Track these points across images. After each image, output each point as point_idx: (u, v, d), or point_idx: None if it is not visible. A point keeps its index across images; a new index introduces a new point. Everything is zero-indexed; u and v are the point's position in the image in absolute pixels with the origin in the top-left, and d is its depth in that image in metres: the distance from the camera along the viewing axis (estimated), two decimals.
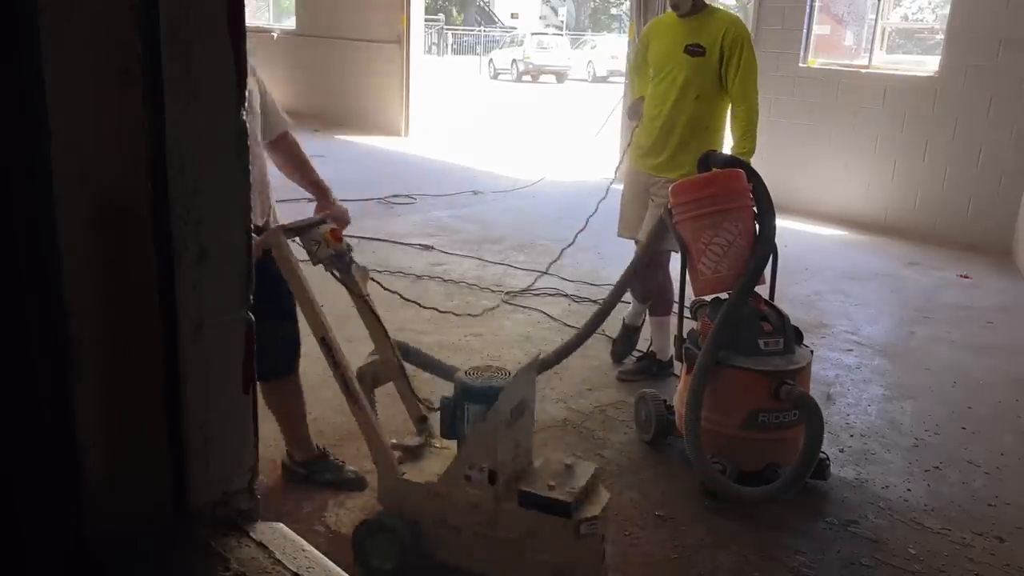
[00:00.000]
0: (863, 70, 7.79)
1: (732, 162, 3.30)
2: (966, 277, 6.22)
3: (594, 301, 5.14)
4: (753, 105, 3.75)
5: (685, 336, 3.21)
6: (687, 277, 3.20)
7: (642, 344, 4.33)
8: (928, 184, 7.20)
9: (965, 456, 3.21)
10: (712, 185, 3.14)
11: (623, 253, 6.23)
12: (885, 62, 8.16)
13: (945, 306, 5.51)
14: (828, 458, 3.15)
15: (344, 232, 2.58)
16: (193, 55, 1.15)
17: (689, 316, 3.31)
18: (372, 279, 2.66)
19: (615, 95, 10.14)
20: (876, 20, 8.17)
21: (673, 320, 3.66)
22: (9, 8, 0.94)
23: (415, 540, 2.36)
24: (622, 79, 10.17)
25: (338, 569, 1.35)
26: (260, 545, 1.35)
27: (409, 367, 2.66)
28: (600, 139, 9.57)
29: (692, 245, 3.12)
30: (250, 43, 1.25)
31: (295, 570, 1.29)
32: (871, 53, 7.95)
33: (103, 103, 1.11)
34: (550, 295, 5.28)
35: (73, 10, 1.05)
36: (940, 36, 7.75)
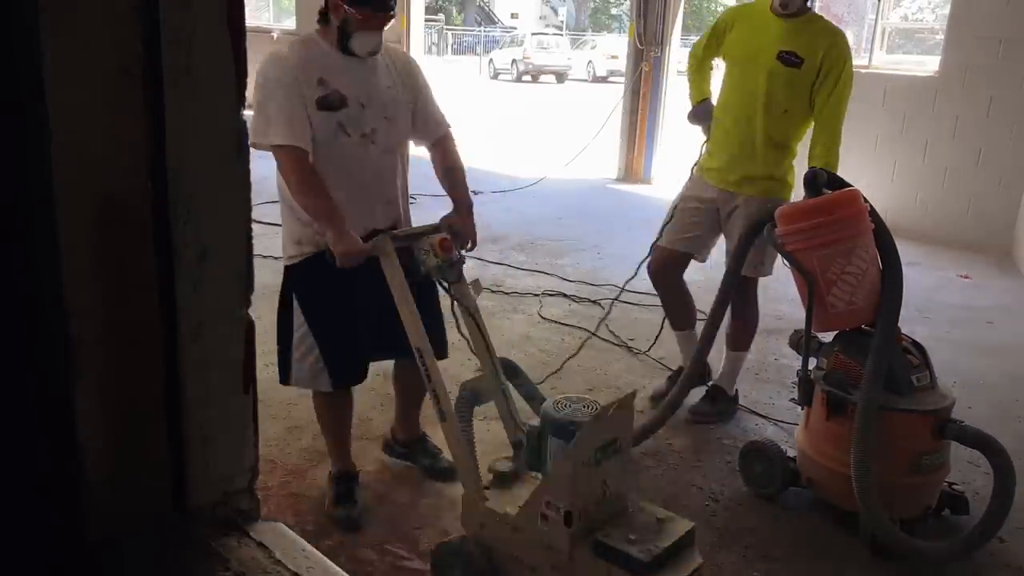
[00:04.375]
0: (863, 70, 7.77)
1: (842, 181, 3.00)
2: (966, 277, 6.22)
3: (594, 301, 5.14)
4: (838, 129, 3.32)
5: (814, 376, 2.90)
6: (812, 311, 2.87)
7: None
8: (928, 184, 7.20)
9: (965, 456, 3.21)
10: (839, 209, 2.81)
11: (623, 254, 6.23)
12: (885, 62, 8.16)
13: (945, 306, 5.51)
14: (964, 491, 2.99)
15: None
16: (193, 55, 1.15)
17: (794, 350, 3.02)
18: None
19: (615, 95, 10.15)
20: (876, 20, 8.17)
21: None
22: (9, 8, 0.94)
23: (490, 570, 2.25)
24: (622, 79, 10.17)
25: (338, 569, 1.35)
26: (260, 545, 1.35)
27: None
28: (600, 139, 9.59)
29: (820, 276, 2.80)
30: (249, 43, 1.25)
31: (295, 570, 1.29)
32: (871, 53, 7.95)
33: (103, 103, 1.11)
34: (550, 295, 5.28)
35: (73, 10, 1.05)
36: (940, 36, 7.75)
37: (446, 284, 2.46)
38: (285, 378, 2.68)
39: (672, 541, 2.05)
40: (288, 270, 2.65)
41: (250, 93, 1.35)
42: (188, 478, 1.34)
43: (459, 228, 2.60)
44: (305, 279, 2.60)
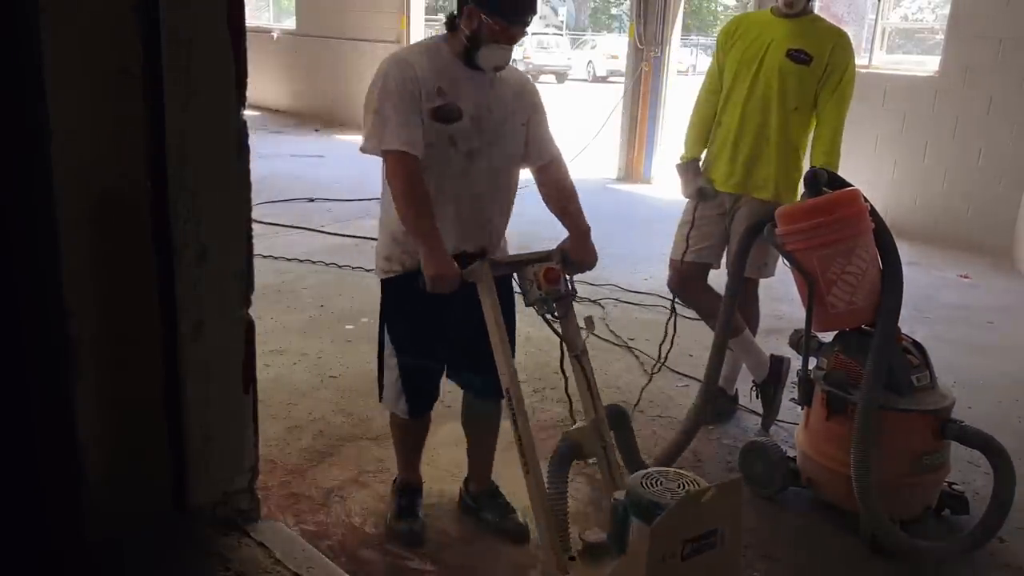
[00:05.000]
0: (863, 70, 7.75)
1: (842, 181, 2.99)
2: (966, 277, 6.22)
3: (594, 301, 5.14)
4: (840, 128, 3.33)
5: (814, 376, 2.89)
6: (813, 311, 2.86)
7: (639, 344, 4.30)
8: (928, 184, 7.20)
9: (965, 456, 3.21)
10: (839, 209, 2.80)
11: (623, 254, 6.23)
12: (885, 62, 8.16)
13: (945, 306, 5.50)
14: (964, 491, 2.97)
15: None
16: (193, 55, 1.15)
17: (794, 350, 3.02)
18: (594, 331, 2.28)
19: (615, 95, 10.14)
20: (876, 20, 8.17)
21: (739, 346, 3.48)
22: (9, 8, 0.94)
23: None
24: (622, 79, 10.17)
25: (338, 569, 1.35)
26: (260, 545, 1.35)
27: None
28: (600, 139, 9.58)
29: (820, 276, 2.79)
30: (249, 43, 1.25)
31: (295, 570, 1.29)
32: (871, 53, 7.94)
33: (103, 103, 1.11)
34: None
35: (73, 10, 1.05)
36: (940, 36, 7.76)
37: (551, 320, 2.23)
38: (379, 396, 2.62)
39: None
40: (381, 285, 2.52)
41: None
42: (188, 478, 1.34)
43: (574, 257, 2.38)
44: (391, 299, 2.50)
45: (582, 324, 2.27)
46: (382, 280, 2.49)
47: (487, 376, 2.28)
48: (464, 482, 2.85)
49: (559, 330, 2.23)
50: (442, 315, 2.39)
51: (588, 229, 2.51)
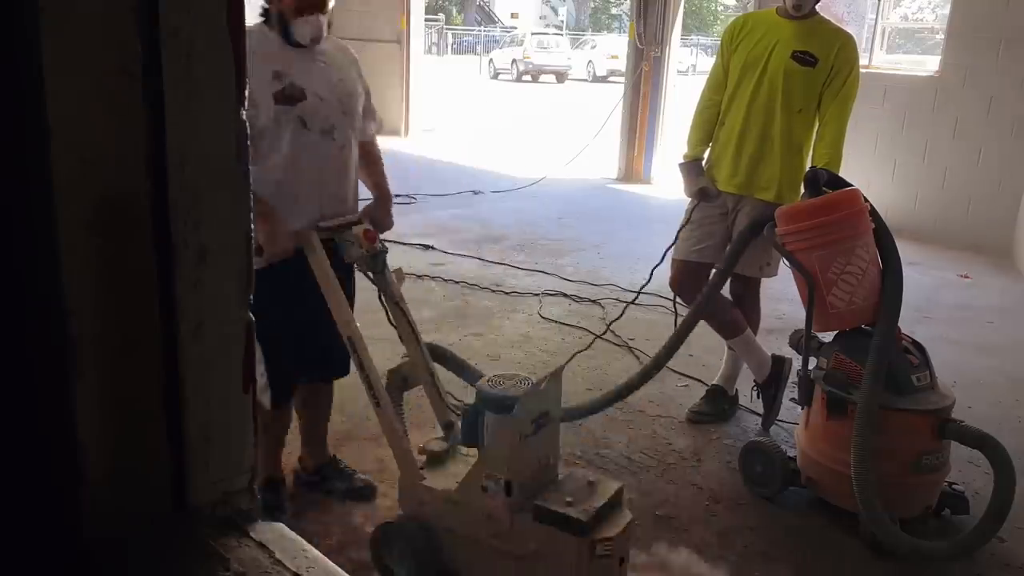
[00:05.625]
0: (863, 70, 7.76)
1: (842, 181, 3.01)
2: (966, 277, 6.22)
3: (594, 301, 5.14)
4: (843, 129, 3.34)
5: (814, 376, 2.91)
6: (813, 310, 2.87)
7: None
8: (928, 184, 7.20)
9: (965, 456, 3.21)
10: (839, 209, 2.82)
11: (623, 253, 6.25)
12: (885, 62, 8.16)
13: (945, 306, 5.51)
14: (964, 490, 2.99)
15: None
16: (193, 55, 1.15)
17: (794, 350, 3.06)
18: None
19: (615, 95, 10.14)
20: (876, 20, 8.17)
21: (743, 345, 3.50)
22: (9, 8, 0.93)
23: (431, 548, 2.32)
24: (622, 79, 10.17)
25: (338, 569, 1.34)
26: (260, 545, 1.35)
27: (443, 371, 2.65)
28: (600, 139, 9.59)
29: (820, 275, 2.81)
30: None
31: (295, 570, 1.29)
32: (871, 53, 7.95)
33: (103, 103, 1.11)
34: (550, 295, 5.28)
35: (73, 10, 1.04)
36: (940, 36, 7.75)
37: (371, 275, 2.51)
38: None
39: (605, 500, 2.17)
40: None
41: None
42: (188, 478, 1.34)
43: (378, 218, 2.69)
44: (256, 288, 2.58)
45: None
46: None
47: (325, 347, 2.52)
48: (299, 461, 2.98)
49: (378, 283, 2.51)
50: (296, 299, 2.47)
51: (391, 197, 2.81)
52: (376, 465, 3.08)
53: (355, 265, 2.51)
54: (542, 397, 2.18)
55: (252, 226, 2.23)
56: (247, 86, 2.23)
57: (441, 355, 2.65)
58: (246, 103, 2.27)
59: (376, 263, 2.51)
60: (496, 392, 2.20)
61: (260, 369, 2.46)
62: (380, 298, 2.54)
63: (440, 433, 2.54)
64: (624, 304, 4.02)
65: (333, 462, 2.97)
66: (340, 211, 2.59)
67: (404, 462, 2.40)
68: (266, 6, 2.47)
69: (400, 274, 2.59)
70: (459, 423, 2.36)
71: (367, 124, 2.73)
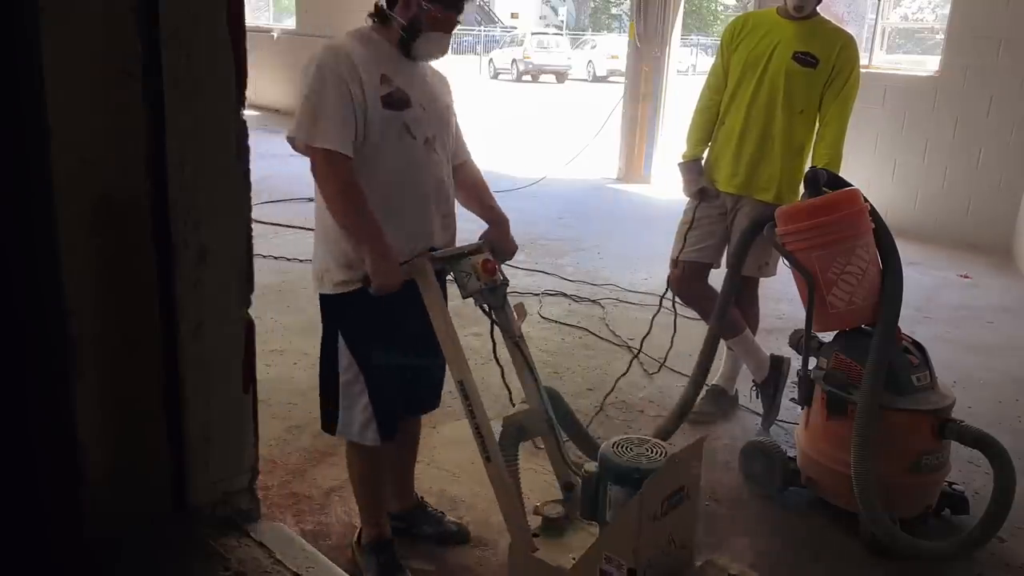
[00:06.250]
0: (863, 70, 7.77)
1: (842, 181, 2.99)
2: (966, 277, 6.22)
3: (594, 301, 5.14)
4: (843, 130, 3.32)
5: (814, 376, 2.90)
6: (813, 310, 2.86)
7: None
8: (928, 184, 7.20)
9: (965, 456, 3.21)
10: (839, 209, 2.80)
11: (623, 253, 6.24)
12: (885, 62, 8.16)
13: (945, 306, 5.50)
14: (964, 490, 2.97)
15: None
16: (193, 55, 1.15)
17: (794, 350, 3.04)
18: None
19: (615, 95, 10.15)
20: (876, 20, 8.17)
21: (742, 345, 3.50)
22: (9, 8, 0.94)
23: None
24: (622, 79, 10.17)
25: (338, 569, 1.35)
26: (260, 545, 1.35)
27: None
28: (600, 139, 9.59)
29: (820, 275, 2.79)
30: (249, 43, 1.25)
31: (295, 570, 1.29)
32: (871, 53, 7.94)
33: (103, 103, 1.11)
34: (550, 295, 5.27)
35: (73, 10, 1.05)
36: (940, 36, 7.75)
37: (489, 309, 2.25)
38: (329, 425, 2.36)
39: None
40: (330, 301, 2.28)
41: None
42: (188, 478, 1.34)
43: (499, 246, 2.38)
44: (355, 312, 2.25)
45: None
46: (336, 296, 2.25)
47: (430, 380, 2.36)
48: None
49: (496, 319, 2.26)
50: (399, 316, 2.24)
51: (508, 220, 2.47)
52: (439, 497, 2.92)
53: (473, 299, 2.21)
54: (678, 470, 1.86)
55: (363, 256, 2.10)
56: (363, 88, 2.09)
57: (555, 401, 2.32)
58: (355, 106, 2.09)
59: (496, 296, 2.24)
60: (622, 462, 1.90)
61: (364, 402, 2.29)
62: (492, 334, 2.27)
63: (559, 495, 2.22)
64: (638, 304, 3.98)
65: (420, 504, 2.73)
66: (449, 232, 2.38)
67: (515, 528, 2.08)
68: (386, 10, 2.22)
69: (521, 309, 2.30)
70: (579, 486, 2.07)
71: (461, 144, 2.50)
